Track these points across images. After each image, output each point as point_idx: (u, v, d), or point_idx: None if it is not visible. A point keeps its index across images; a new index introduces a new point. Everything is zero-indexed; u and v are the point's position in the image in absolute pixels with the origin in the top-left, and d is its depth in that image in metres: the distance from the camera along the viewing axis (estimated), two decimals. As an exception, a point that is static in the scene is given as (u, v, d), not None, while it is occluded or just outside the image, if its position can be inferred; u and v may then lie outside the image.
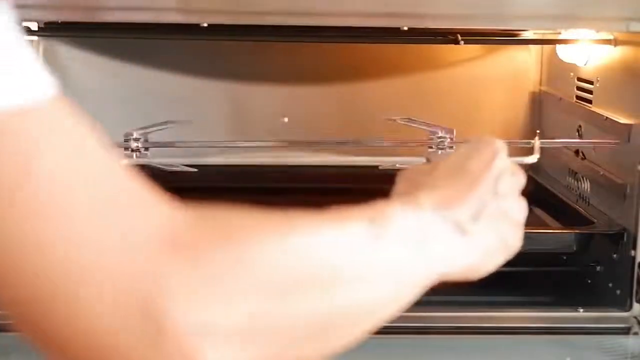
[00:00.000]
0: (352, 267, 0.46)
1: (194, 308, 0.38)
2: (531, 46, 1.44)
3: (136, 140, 1.10)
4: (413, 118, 1.25)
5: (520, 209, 0.60)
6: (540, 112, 1.47)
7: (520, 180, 0.60)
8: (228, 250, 0.40)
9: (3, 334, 0.98)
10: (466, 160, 0.58)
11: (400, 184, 0.59)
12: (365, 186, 1.48)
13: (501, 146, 0.59)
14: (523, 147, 1.46)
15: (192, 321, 0.38)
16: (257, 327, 0.40)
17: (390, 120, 1.26)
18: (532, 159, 1.10)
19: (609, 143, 1.13)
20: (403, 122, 1.24)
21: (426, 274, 0.51)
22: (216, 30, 1.12)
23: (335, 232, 0.46)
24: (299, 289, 0.42)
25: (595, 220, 1.14)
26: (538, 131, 1.16)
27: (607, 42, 1.15)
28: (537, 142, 1.11)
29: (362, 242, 0.47)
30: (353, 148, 1.38)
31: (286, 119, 1.45)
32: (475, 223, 0.54)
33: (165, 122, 1.20)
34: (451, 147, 1.11)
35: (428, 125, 1.20)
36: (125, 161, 1.08)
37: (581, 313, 1.06)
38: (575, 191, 1.27)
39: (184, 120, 1.24)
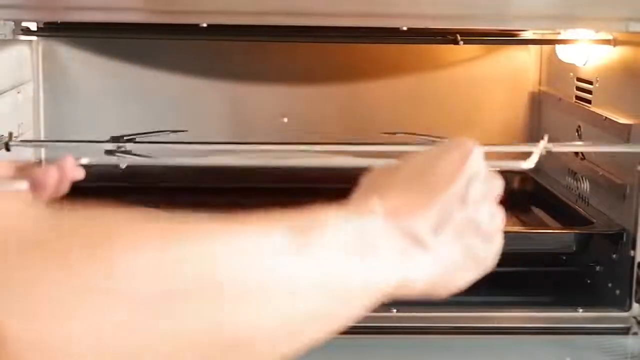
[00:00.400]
0: (266, 279, 0.41)
1: (37, 322, 0.33)
2: (530, 46, 1.44)
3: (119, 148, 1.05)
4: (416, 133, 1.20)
5: (494, 219, 0.52)
6: (539, 113, 1.47)
7: (496, 186, 0.53)
8: (91, 257, 0.36)
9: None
10: (434, 162, 0.52)
11: (361, 187, 0.52)
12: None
13: (474, 148, 0.52)
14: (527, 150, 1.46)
15: (33, 338, 0.33)
16: (122, 344, 0.35)
17: (389, 134, 1.23)
18: (529, 163, 0.95)
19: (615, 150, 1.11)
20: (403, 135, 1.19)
21: (370, 287, 0.46)
22: (216, 30, 1.12)
23: (246, 241, 0.41)
24: (183, 304, 0.37)
25: (594, 221, 1.14)
26: (546, 135, 1.05)
27: (607, 42, 1.15)
28: (540, 144, 0.99)
29: (280, 252, 0.42)
30: (352, 147, 1.38)
31: (285, 119, 1.45)
32: (437, 235, 0.49)
33: (159, 132, 1.15)
34: None
35: (428, 138, 1.16)
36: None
37: (581, 313, 1.05)
38: (575, 191, 1.27)
39: (178, 130, 1.20)
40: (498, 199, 0.53)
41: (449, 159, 0.51)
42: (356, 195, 0.51)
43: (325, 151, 1.01)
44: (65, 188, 0.65)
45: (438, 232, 0.49)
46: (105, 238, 0.37)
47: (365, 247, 0.46)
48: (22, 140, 0.92)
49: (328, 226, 0.45)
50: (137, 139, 1.11)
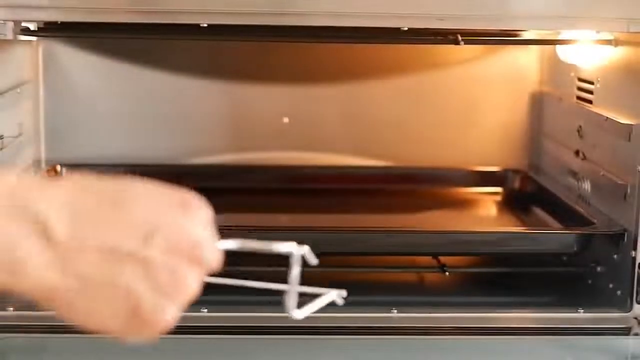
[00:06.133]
0: None
1: None
2: (531, 46, 1.44)
3: None
4: None
5: (177, 279, 0.45)
6: (540, 113, 1.46)
7: (202, 256, 0.46)
8: None
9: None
10: (147, 196, 0.47)
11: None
12: (364, 187, 1.48)
13: (200, 210, 0.49)
14: (526, 147, 1.47)
15: None
16: None
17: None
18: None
19: None
20: None
21: None
22: (216, 30, 1.12)
23: None
24: None
25: (595, 221, 1.14)
26: None
27: (608, 42, 1.15)
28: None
29: None
30: (354, 149, 1.38)
31: (286, 120, 1.45)
32: (73, 237, 0.43)
33: None
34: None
35: None
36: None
37: (581, 314, 1.05)
38: (576, 191, 1.27)
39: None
40: (201, 270, 0.47)
41: (162, 200, 0.47)
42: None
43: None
44: None
45: (77, 242, 0.44)
46: None
47: None
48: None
49: None
50: None
